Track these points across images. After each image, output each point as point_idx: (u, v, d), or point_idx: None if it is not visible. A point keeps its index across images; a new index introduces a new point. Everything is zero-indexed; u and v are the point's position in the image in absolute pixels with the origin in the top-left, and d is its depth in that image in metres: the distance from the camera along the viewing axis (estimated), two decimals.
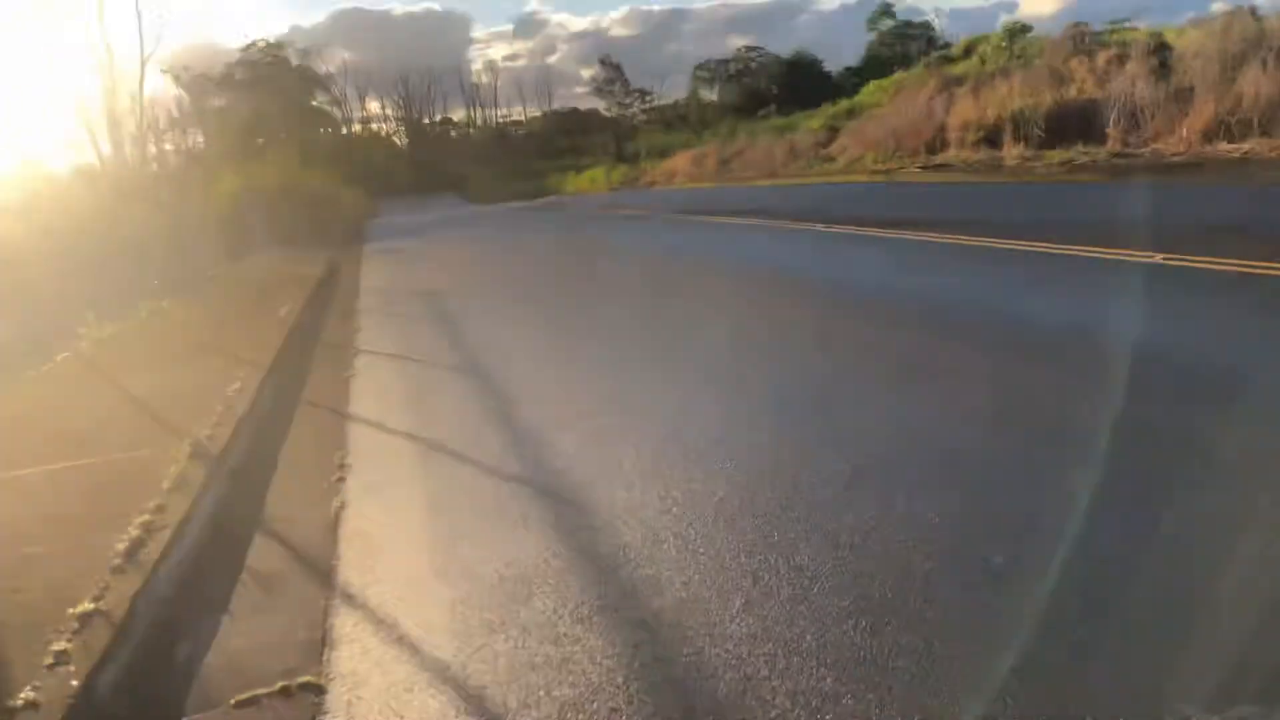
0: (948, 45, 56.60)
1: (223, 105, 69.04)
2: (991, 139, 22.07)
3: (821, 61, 75.39)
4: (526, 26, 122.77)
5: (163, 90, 60.14)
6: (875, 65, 65.32)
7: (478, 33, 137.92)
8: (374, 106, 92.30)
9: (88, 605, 2.94)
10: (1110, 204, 12.35)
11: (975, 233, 9.85)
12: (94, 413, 5.79)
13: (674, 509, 3.49)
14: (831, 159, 29.73)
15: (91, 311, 9.71)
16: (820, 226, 12.80)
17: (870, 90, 38.82)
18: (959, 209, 13.86)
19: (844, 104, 39.82)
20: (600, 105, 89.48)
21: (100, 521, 3.69)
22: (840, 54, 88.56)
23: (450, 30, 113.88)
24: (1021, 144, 20.77)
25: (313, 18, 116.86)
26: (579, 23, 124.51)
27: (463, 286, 11.64)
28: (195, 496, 3.99)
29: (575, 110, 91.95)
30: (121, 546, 3.38)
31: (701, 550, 3.11)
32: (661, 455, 4.12)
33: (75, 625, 2.83)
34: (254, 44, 75.01)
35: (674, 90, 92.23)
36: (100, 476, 4.37)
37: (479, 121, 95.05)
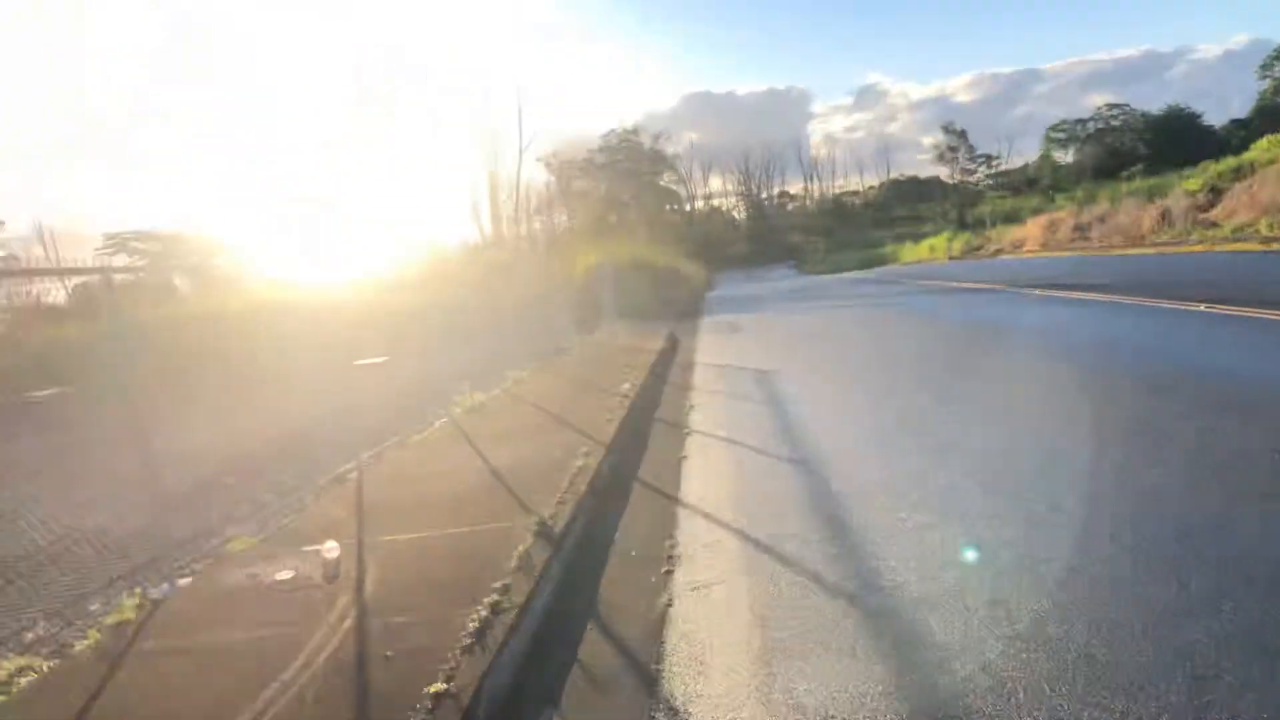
0: None
1: (584, 187, 76.47)
2: None
3: (1200, 115, 66.94)
4: (867, 98, 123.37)
5: (535, 176, 68.24)
6: (1270, 116, 56.84)
7: (817, 107, 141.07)
8: (716, 183, 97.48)
9: (440, 685, 3.18)
10: None
11: None
12: (457, 482, 6.42)
13: (1019, 648, 3.08)
14: (1214, 225, 26.10)
15: (466, 381, 10.95)
16: (1202, 307, 11.15)
17: (1264, 145, 33.73)
18: None
19: (1229, 162, 34.98)
20: (942, 172, 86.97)
21: (456, 595, 4.02)
22: (1224, 106, 78.62)
23: (791, 106, 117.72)
24: None
25: (665, 103, 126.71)
26: (921, 91, 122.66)
27: (790, 365, 11.59)
28: (537, 579, 4.22)
29: (914, 178, 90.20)
30: (472, 625, 3.65)
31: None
32: (1022, 587, 3.69)
33: (429, 704, 3.08)
34: (613, 131, 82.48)
35: (1023, 154, 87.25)
36: (458, 547, 4.78)
37: (815, 193, 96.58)
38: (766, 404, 8.87)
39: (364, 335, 14.96)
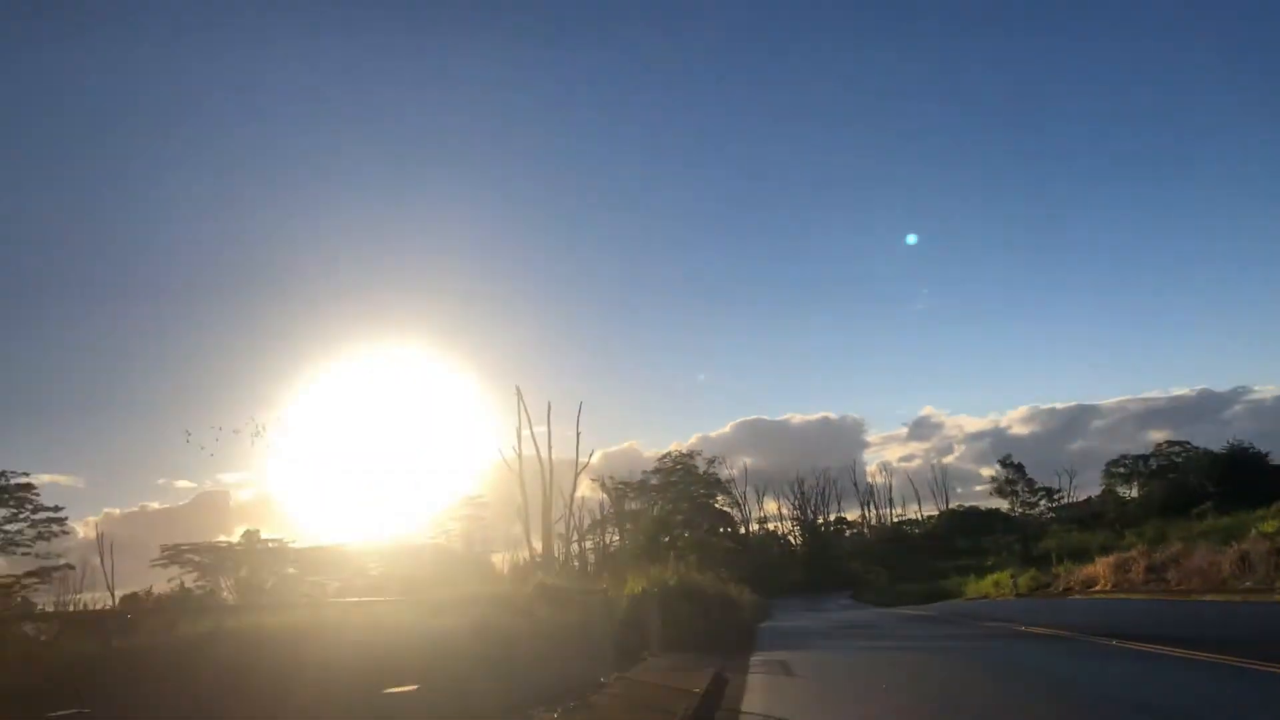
0: None
1: (637, 507, 76.76)
2: None
3: (1266, 454, 66.47)
4: (921, 428, 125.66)
5: (589, 495, 69.18)
6: None
7: (871, 436, 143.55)
8: (770, 506, 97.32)
9: None
10: None
11: None
12: None
13: None
14: None
15: None
16: None
17: None
18: None
19: None
20: (1002, 504, 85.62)
21: None
22: None
23: (845, 434, 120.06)
24: None
25: (718, 428, 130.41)
26: (976, 423, 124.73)
27: None
28: None
29: (975, 509, 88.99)
30: None
31: None
32: None
33: None
34: (668, 454, 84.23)
35: (1084, 487, 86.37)
36: None
37: (872, 520, 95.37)
38: None
39: (399, 658, 14.39)
